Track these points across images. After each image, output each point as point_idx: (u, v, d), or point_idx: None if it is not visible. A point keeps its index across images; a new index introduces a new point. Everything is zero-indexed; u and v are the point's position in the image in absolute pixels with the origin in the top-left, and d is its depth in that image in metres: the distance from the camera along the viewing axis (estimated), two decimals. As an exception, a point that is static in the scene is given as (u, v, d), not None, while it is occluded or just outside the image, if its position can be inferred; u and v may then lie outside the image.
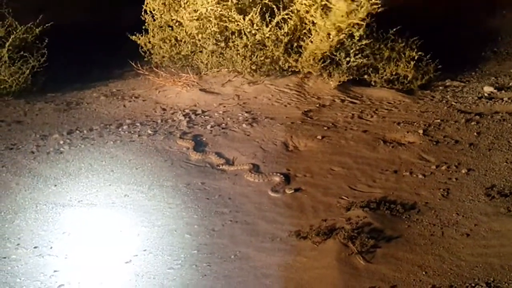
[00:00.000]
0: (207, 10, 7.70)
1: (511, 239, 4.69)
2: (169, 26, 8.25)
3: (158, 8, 8.11)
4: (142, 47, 8.34)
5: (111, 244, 4.71)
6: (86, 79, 8.61)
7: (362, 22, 7.50)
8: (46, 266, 4.42)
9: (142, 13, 8.19)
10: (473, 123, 6.89)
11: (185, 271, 4.40)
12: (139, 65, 8.32)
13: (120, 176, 5.76)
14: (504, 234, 4.76)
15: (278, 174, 5.73)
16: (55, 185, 5.59)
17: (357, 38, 7.62)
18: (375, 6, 7.46)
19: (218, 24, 7.79)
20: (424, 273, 4.32)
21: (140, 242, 4.74)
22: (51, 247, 4.65)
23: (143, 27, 8.27)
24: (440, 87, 8.35)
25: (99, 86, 8.43)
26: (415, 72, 8.11)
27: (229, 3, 7.68)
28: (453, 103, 7.64)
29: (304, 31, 7.83)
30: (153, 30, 8.24)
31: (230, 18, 7.76)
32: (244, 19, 7.67)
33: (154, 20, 8.22)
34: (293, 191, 5.45)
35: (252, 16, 7.62)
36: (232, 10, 7.67)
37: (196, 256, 4.57)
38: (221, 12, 7.72)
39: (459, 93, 8.08)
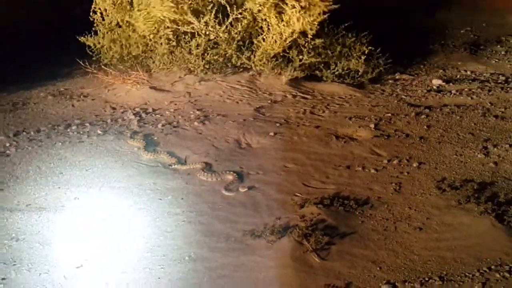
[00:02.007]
0: (162, 15, 7.58)
1: (463, 232, 4.76)
2: (119, 26, 8.07)
3: (109, 9, 7.92)
4: (90, 47, 8.13)
5: (61, 249, 4.59)
6: (33, 78, 8.33)
7: (314, 23, 7.50)
8: (-7, 274, 4.29)
9: (91, 13, 7.99)
10: (423, 116, 6.97)
11: (138, 275, 4.32)
12: (87, 63, 8.12)
13: (70, 178, 5.62)
14: (456, 227, 4.83)
15: (231, 172, 5.68)
16: (2, 189, 5.41)
17: (310, 37, 7.60)
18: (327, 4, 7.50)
19: (171, 27, 7.68)
20: (378, 268, 4.35)
21: (91, 245, 4.62)
22: (-2, 254, 4.51)
23: (93, 28, 8.08)
24: (390, 81, 8.42)
25: (47, 85, 8.17)
26: (365, 66, 8.15)
27: (185, 7, 7.56)
28: (403, 96, 7.72)
29: (256, 28, 7.78)
30: (102, 31, 8.05)
31: (184, 21, 7.66)
32: (198, 21, 7.57)
33: (104, 19, 8.03)
34: (246, 189, 5.41)
35: (208, 18, 7.52)
36: (188, 14, 7.57)
37: (149, 258, 4.50)
38: (175, 17, 7.61)
39: (409, 87, 8.16)
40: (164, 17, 7.61)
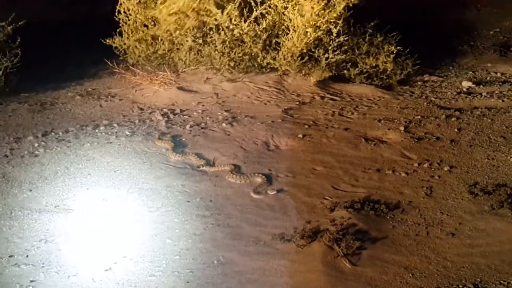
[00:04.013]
0: (184, 3, 7.57)
1: (497, 238, 4.67)
2: (144, 25, 8.07)
3: (133, 8, 7.92)
4: (116, 47, 8.14)
5: (89, 251, 4.57)
6: (61, 78, 8.38)
7: (338, 21, 7.46)
8: (22, 276, 4.26)
9: (116, 14, 8.00)
10: (453, 119, 6.86)
11: (166, 278, 4.29)
12: (114, 63, 8.15)
13: (98, 180, 5.61)
14: (489, 233, 4.73)
15: (260, 174, 5.63)
16: (31, 190, 5.41)
17: (335, 34, 7.54)
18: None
19: (196, 18, 7.65)
20: (410, 275, 4.27)
21: (120, 248, 4.60)
22: (27, 256, 4.49)
23: (118, 28, 8.08)
24: (419, 82, 8.33)
25: (74, 85, 8.21)
26: (394, 66, 8.06)
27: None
28: (432, 98, 7.62)
29: (282, 27, 7.75)
30: (127, 31, 8.05)
31: (207, 12, 7.65)
32: (222, 13, 7.56)
33: (129, 20, 8.03)
34: (275, 192, 5.36)
35: (230, 10, 7.52)
36: (210, 4, 7.55)
37: (178, 261, 4.46)
38: (198, 6, 7.59)
39: (438, 88, 8.06)
40: (186, 5, 7.57)
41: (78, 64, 8.82)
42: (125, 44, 8.13)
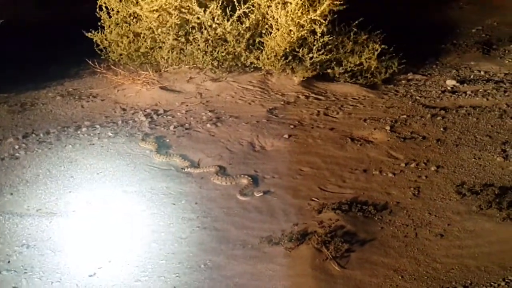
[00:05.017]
0: (166, 0, 7.46)
1: (486, 238, 4.65)
2: (126, 22, 7.94)
3: (114, 4, 7.79)
4: (98, 45, 8.00)
5: (73, 256, 4.48)
6: (40, 77, 8.19)
7: (323, 21, 7.41)
8: (3, 283, 4.17)
9: (97, 10, 7.86)
10: (438, 118, 6.84)
11: (153, 283, 4.22)
12: (96, 63, 8.01)
13: (81, 182, 5.50)
14: (478, 233, 4.71)
15: (246, 176, 5.56)
16: (11, 194, 5.30)
17: (319, 34, 7.48)
18: (336, 2, 7.40)
19: (178, 15, 7.54)
20: (400, 277, 4.24)
21: (104, 253, 4.51)
22: (9, 261, 4.39)
23: (99, 24, 7.94)
24: (403, 81, 8.29)
25: (55, 85, 8.03)
26: (378, 64, 8.02)
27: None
28: (417, 97, 7.59)
29: (266, 26, 7.67)
30: (109, 26, 7.91)
31: (190, 11, 7.55)
32: (204, 12, 7.47)
33: (110, 17, 7.90)
34: (262, 193, 5.29)
35: (212, 9, 7.42)
36: (193, 2, 7.45)
37: (164, 266, 4.39)
38: (180, 4, 7.49)
39: (422, 87, 8.03)
40: (167, 3, 7.46)
41: (58, 64, 8.57)
42: (106, 40, 7.98)
